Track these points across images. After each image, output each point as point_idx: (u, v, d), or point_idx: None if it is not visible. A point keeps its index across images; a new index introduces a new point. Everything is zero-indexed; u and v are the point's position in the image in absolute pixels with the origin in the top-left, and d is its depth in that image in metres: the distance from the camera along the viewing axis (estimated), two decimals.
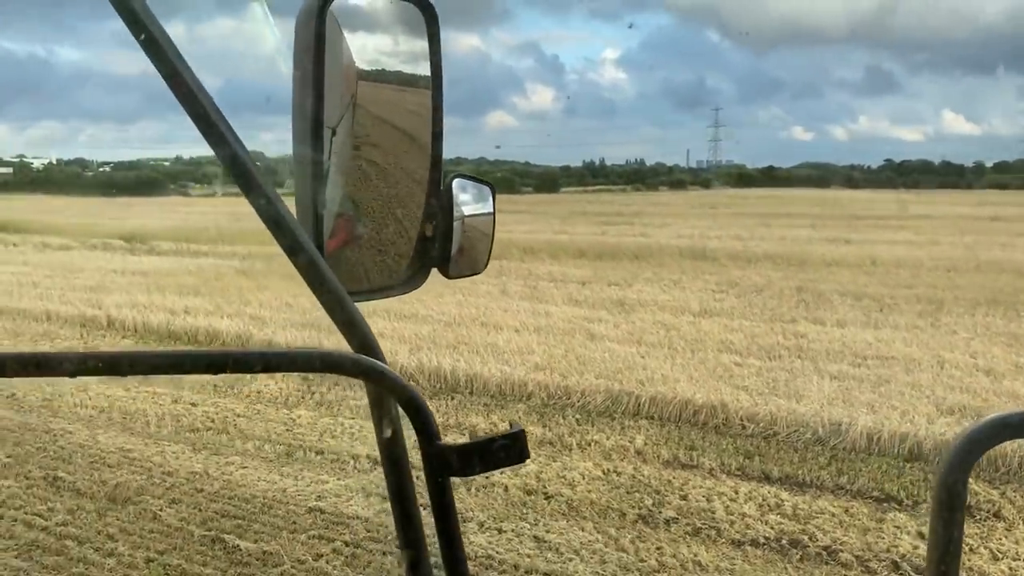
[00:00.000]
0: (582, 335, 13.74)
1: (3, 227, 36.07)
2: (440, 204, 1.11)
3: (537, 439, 8.94)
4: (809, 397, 10.02)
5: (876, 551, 6.50)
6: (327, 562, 6.31)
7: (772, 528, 6.93)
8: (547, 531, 6.87)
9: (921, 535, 6.75)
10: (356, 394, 10.81)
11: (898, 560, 6.35)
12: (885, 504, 7.45)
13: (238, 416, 10.02)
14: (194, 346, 13.04)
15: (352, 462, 8.44)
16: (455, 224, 1.13)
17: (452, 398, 10.64)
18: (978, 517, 7.02)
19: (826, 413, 9.28)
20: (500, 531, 6.87)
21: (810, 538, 6.73)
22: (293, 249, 0.80)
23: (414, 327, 13.66)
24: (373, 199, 1.08)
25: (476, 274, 1.24)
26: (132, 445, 8.92)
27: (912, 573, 6.19)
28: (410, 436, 0.85)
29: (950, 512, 0.69)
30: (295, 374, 11.74)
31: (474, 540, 6.60)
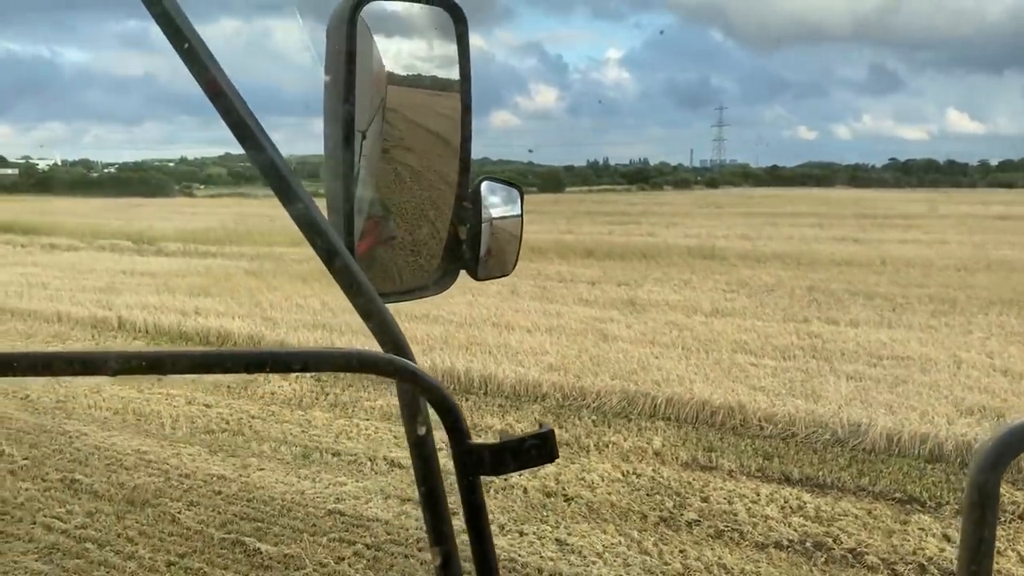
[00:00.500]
0: (594, 335, 13.69)
1: (10, 228, 36.13)
2: (469, 206, 1.12)
3: None
4: (826, 398, 9.96)
5: (902, 554, 6.45)
6: (349, 565, 6.27)
7: (796, 530, 6.87)
8: (569, 534, 6.82)
9: (947, 537, 6.69)
10: (370, 395, 10.78)
11: (925, 563, 6.29)
12: (908, 506, 7.39)
13: (253, 417, 9.99)
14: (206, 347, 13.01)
15: (369, 464, 8.40)
16: (483, 226, 1.15)
17: (466, 399, 10.59)
18: (1003, 519, 6.95)
19: (844, 414, 9.22)
20: (521, 534, 6.83)
21: (834, 540, 6.68)
22: (326, 251, 0.82)
23: (426, 328, 13.62)
24: (403, 202, 1.09)
25: (504, 276, 1.25)
26: (148, 447, 8.89)
27: None
28: (439, 436, 0.86)
29: (981, 513, 0.68)
30: (308, 375, 11.72)
31: (496, 543, 6.48)
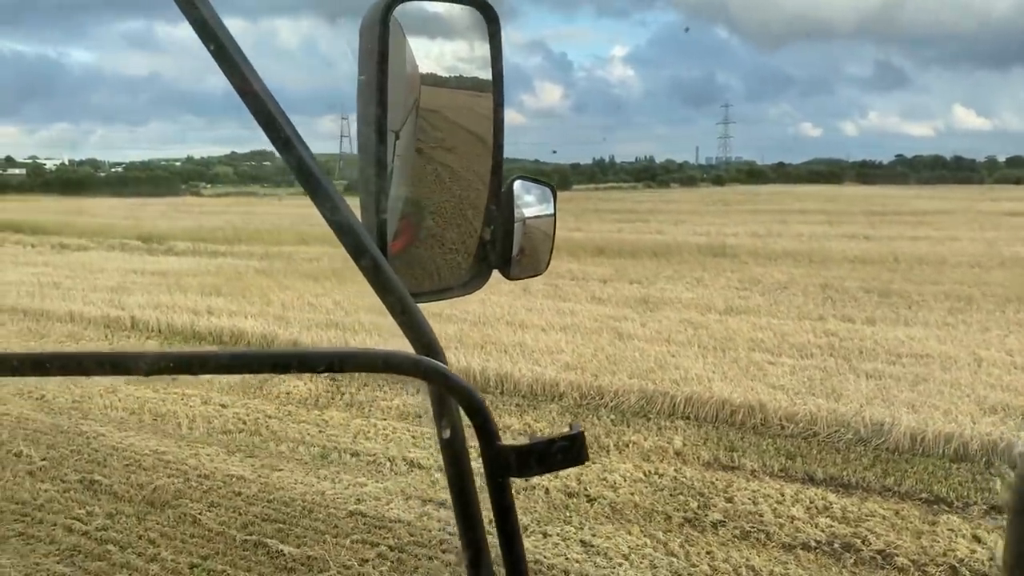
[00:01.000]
0: (609, 334, 13.61)
1: (19, 228, 36.21)
2: (501, 205, 1.12)
3: None
4: (847, 396, 9.87)
5: (932, 555, 6.36)
6: (373, 567, 6.22)
7: (823, 531, 6.79)
8: (593, 535, 6.76)
9: (977, 538, 6.60)
10: (386, 395, 10.73)
11: (956, 565, 6.20)
12: (935, 506, 7.30)
13: (269, 417, 9.94)
14: (219, 347, 12.98)
15: (389, 464, 8.35)
16: (516, 225, 1.15)
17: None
18: None
19: (867, 413, 9.13)
20: (545, 535, 6.76)
21: (863, 541, 6.60)
22: (358, 251, 0.82)
23: (439, 326, 13.47)
24: (435, 201, 1.09)
25: (537, 275, 1.25)
26: (166, 448, 8.85)
27: None
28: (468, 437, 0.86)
29: None
30: (323, 375, 11.67)
31: None
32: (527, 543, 6.56)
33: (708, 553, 6.44)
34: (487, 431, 0.81)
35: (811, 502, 7.35)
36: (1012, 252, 24.05)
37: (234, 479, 7.95)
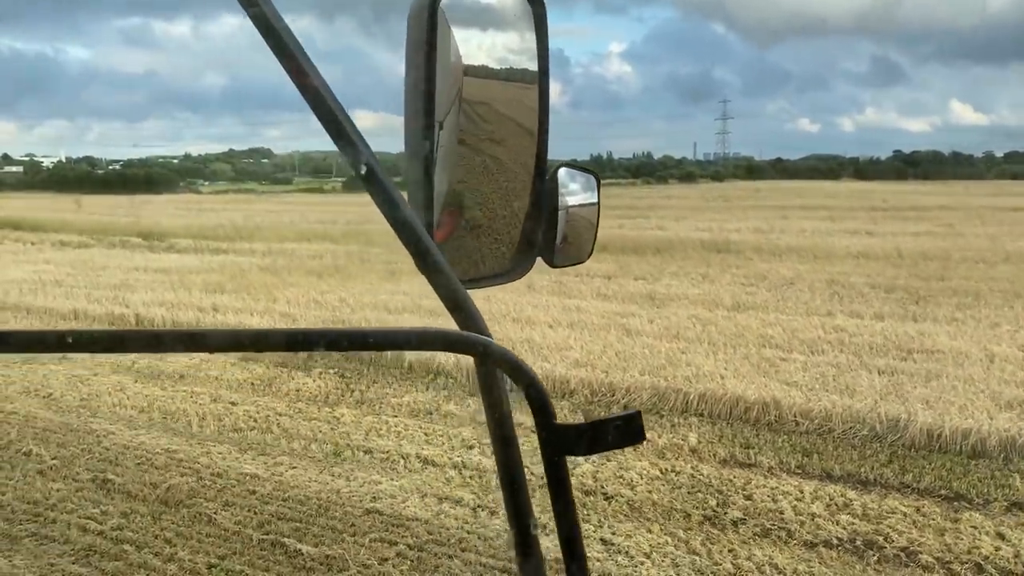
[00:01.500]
0: (617, 330, 13.55)
1: (19, 225, 36.07)
2: (545, 193, 1.12)
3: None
4: (861, 392, 9.82)
5: (956, 552, 6.31)
6: (393, 566, 6.15)
7: (844, 528, 6.74)
8: (613, 533, 6.69)
9: (1001, 536, 6.55)
10: (396, 392, 10.67)
11: (981, 562, 6.15)
12: (956, 503, 7.25)
13: (280, 415, 9.87)
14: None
15: (403, 462, 8.28)
16: (560, 213, 1.17)
17: None
18: None
19: (882, 408, 9.08)
20: None
21: (885, 539, 6.54)
22: (410, 240, 0.83)
23: (446, 323, 13.47)
24: (479, 190, 1.09)
25: (580, 263, 1.25)
26: (177, 446, 8.77)
27: None
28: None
29: None
30: (331, 371, 11.61)
31: (540, 543, 6.42)
32: (548, 542, 6.50)
33: (730, 551, 6.38)
34: (544, 410, 0.81)
35: (831, 499, 7.29)
36: (1016, 247, 24.03)
37: (248, 477, 7.88)
